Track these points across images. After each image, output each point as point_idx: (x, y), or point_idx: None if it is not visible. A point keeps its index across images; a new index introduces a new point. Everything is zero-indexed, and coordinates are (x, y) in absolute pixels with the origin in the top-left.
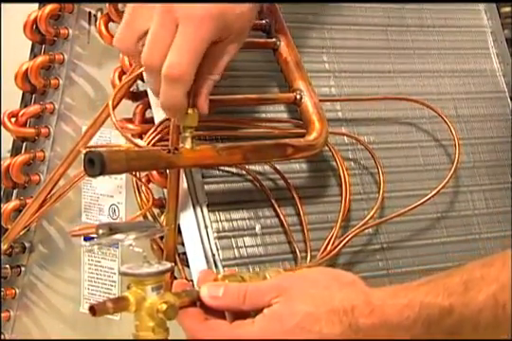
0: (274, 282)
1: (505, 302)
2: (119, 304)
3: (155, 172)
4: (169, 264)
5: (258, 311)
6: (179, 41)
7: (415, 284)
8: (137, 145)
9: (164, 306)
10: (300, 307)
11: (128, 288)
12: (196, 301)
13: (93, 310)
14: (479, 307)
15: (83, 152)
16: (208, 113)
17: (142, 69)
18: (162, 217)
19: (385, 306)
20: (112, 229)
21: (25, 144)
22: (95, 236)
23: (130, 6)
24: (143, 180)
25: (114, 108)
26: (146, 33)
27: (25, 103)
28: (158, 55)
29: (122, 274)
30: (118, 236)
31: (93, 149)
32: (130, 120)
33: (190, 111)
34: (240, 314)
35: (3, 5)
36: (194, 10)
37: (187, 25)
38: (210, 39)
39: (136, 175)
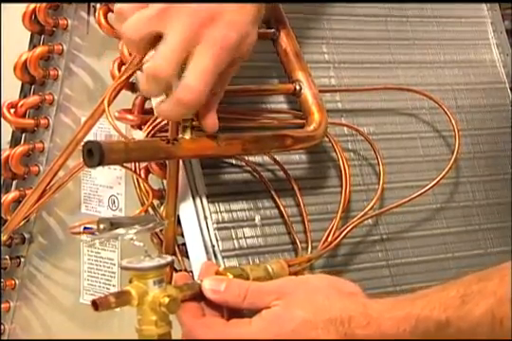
0: (276, 285)
1: (503, 318)
2: (122, 298)
3: (154, 164)
4: (170, 257)
5: (255, 310)
6: (199, 62)
7: (412, 297)
8: (125, 137)
9: (166, 299)
10: (298, 313)
11: (130, 282)
12: (198, 294)
13: (95, 304)
14: (476, 321)
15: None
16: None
17: (143, 60)
18: (162, 208)
19: (382, 319)
20: (113, 224)
21: (24, 135)
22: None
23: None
24: (142, 171)
25: (113, 99)
26: (157, 34)
27: (24, 94)
28: (170, 67)
29: (123, 268)
30: (119, 230)
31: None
32: (129, 111)
33: None
34: (236, 311)
35: None
36: (219, 36)
37: (209, 48)
38: (224, 65)
39: (135, 171)
